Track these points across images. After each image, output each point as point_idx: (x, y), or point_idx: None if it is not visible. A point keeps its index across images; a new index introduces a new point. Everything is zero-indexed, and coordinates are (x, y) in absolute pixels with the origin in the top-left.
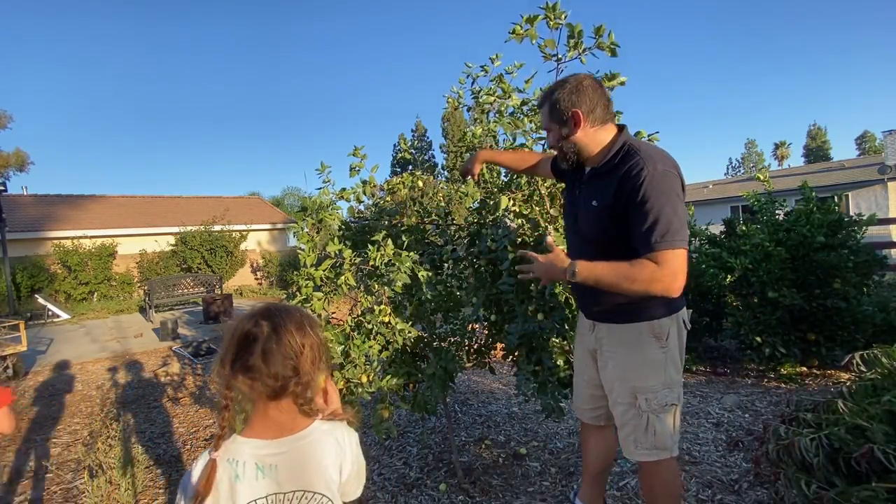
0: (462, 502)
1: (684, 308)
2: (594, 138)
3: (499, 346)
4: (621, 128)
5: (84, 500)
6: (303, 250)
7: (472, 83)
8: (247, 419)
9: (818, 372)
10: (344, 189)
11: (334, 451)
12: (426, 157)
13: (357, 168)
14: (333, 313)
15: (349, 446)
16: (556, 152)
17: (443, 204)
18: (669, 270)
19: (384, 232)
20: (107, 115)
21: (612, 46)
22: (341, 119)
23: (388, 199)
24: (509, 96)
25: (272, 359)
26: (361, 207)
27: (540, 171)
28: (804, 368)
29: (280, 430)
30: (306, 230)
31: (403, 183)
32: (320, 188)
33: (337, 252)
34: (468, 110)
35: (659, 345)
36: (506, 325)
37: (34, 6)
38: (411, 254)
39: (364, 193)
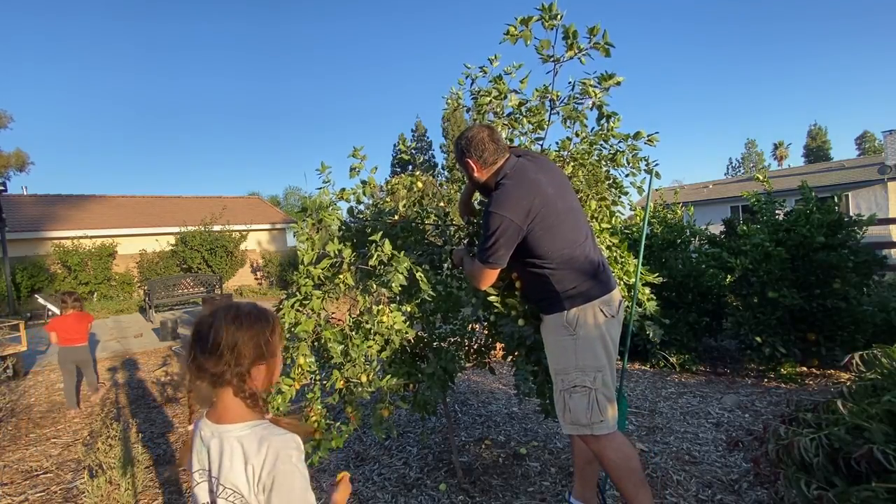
0: (462, 502)
1: (606, 296)
2: (490, 172)
3: (499, 346)
4: (509, 157)
5: (84, 500)
6: (303, 249)
7: (472, 84)
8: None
9: (818, 372)
10: (343, 189)
11: (241, 458)
12: (426, 158)
13: (357, 169)
14: (333, 313)
15: (259, 461)
16: None
17: (442, 204)
18: (475, 275)
19: (381, 231)
20: (107, 115)
21: (606, 46)
22: (341, 119)
23: (388, 199)
24: (505, 97)
25: (206, 350)
26: (361, 208)
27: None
28: (804, 368)
29: (220, 416)
30: (306, 230)
31: (402, 184)
32: (320, 188)
33: (336, 251)
34: (467, 111)
35: (568, 332)
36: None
37: (34, 5)
38: (408, 256)
39: (364, 194)
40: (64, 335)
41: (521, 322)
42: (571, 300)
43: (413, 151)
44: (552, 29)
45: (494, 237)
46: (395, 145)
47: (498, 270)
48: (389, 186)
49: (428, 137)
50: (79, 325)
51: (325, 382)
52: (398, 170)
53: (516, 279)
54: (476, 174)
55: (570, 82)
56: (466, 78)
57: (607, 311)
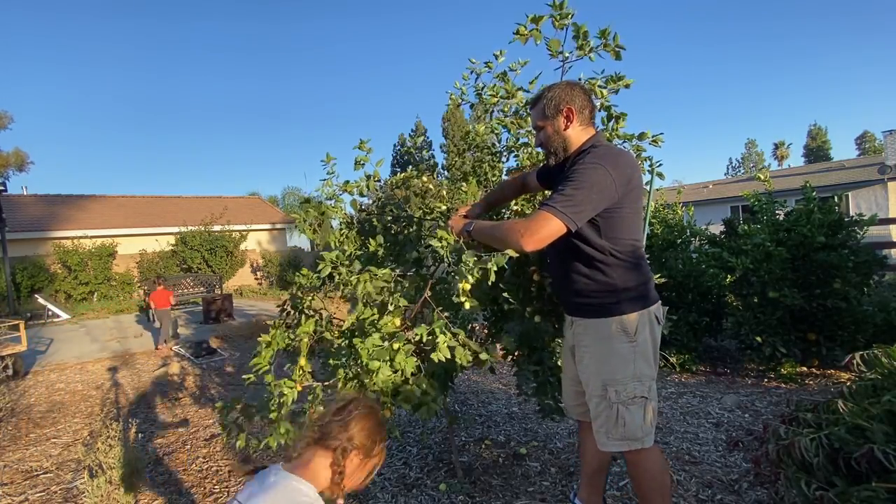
0: (462, 502)
1: (658, 304)
2: (580, 136)
3: (499, 345)
4: (596, 133)
5: (84, 500)
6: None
7: (476, 79)
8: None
9: (818, 372)
10: (347, 182)
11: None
12: (426, 157)
13: (362, 161)
14: (334, 313)
15: None
16: (542, 151)
17: (443, 207)
18: (530, 225)
19: (384, 225)
20: (107, 114)
21: (617, 49)
22: (341, 119)
23: (396, 192)
24: (513, 96)
25: (338, 418)
26: (365, 200)
27: (530, 186)
28: (804, 368)
29: (295, 472)
30: (309, 222)
31: (406, 178)
32: (324, 179)
33: (337, 243)
34: (471, 106)
35: (627, 339)
36: (504, 324)
37: (34, 3)
38: (408, 251)
39: (368, 187)
40: (158, 302)
41: (537, 319)
42: (632, 303)
43: (416, 149)
44: (562, 28)
45: (590, 190)
46: (394, 145)
47: (564, 231)
48: (392, 182)
49: (428, 137)
50: (166, 296)
51: (326, 384)
52: (398, 170)
53: (534, 272)
54: (569, 128)
55: (579, 79)
56: (471, 73)
57: (660, 318)
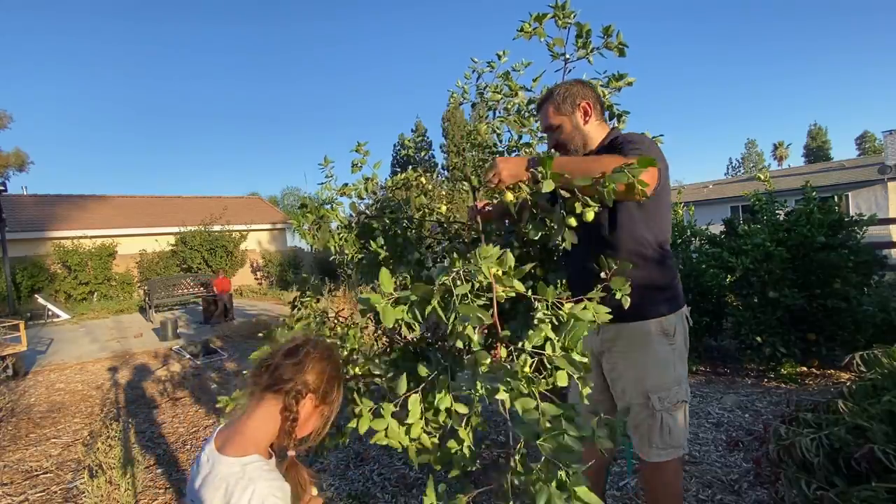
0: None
1: (686, 305)
2: (598, 132)
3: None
4: (612, 128)
5: (84, 500)
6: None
7: (478, 78)
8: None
9: (818, 372)
10: (346, 185)
11: (220, 499)
12: (426, 157)
13: (359, 164)
14: (340, 310)
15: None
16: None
17: (443, 209)
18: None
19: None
20: (107, 115)
21: (621, 46)
22: (341, 120)
23: (396, 193)
24: (516, 94)
25: (292, 357)
26: (364, 204)
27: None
28: (804, 368)
29: (226, 441)
30: (306, 227)
31: (406, 180)
32: (322, 183)
33: (337, 248)
34: (473, 106)
35: (668, 342)
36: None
37: (35, 3)
38: (410, 253)
39: (366, 190)
40: (220, 287)
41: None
42: (668, 303)
43: (417, 148)
44: (565, 27)
45: (649, 147)
46: (395, 145)
47: (654, 186)
48: (391, 183)
49: (428, 137)
50: (226, 283)
51: None
52: (398, 170)
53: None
54: (588, 122)
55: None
56: (473, 72)
57: (689, 318)
